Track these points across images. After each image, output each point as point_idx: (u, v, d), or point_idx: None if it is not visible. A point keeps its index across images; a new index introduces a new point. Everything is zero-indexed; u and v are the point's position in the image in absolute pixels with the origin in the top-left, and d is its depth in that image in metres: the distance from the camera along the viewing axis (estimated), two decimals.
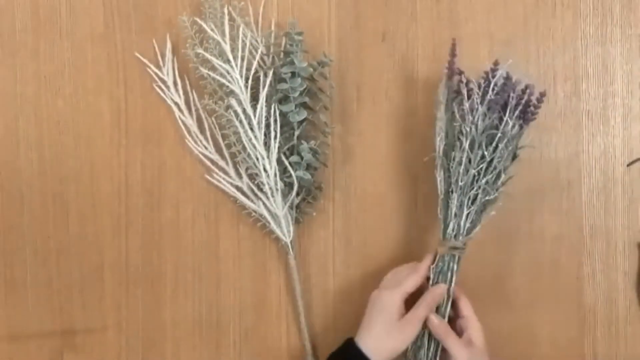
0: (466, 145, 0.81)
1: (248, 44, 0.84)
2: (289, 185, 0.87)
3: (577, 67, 0.90)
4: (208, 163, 0.92)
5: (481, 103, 0.80)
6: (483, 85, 0.81)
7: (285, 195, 0.87)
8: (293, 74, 0.85)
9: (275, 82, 0.86)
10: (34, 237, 0.94)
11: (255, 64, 0.84)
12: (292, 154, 0.87)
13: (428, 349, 0.83)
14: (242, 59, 0.83)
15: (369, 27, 0.92)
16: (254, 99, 0.84)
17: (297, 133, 0.87)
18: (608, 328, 0.90)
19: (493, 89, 0.80)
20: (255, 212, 0.90)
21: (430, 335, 0.82)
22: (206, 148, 0.91)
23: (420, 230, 0.91)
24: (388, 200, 0.91)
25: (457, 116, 0.82)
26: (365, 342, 0.80)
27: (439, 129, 0.84)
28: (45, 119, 0.93)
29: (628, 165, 0.90)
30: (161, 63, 0.92)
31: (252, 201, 0.89)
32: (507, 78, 0.81)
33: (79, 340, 0.94)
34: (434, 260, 0.84)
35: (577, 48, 0.90)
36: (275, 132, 0.84)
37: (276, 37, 0.91)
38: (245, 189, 0.90)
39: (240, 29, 0.84)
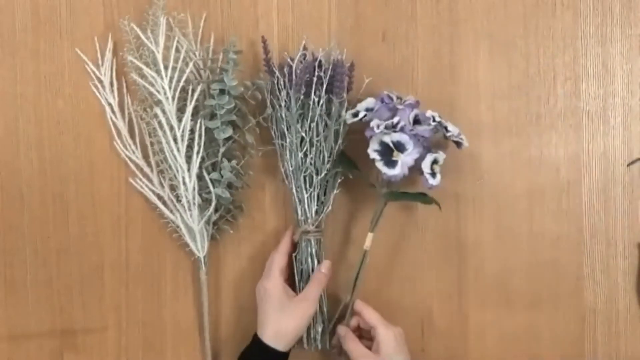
0: (285, 130, 0.85)
1: (182, 55, 0.84)
2: (207, 201, 0.87)
3: (577, 67, 0.90)
4: (133, 167, 0.91)
5: (290, 88, 0.83)
6: (287, 73, 0.84)
7: (202, 211, 0.87)
8: (222, 91, 0.85)
9: (207, 98, 0.86)
10: (34, 237, 0.94)
11: (185, 76, 0.83)
12: (214, 171, 0.87)
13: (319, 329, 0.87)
14: (173, 70, 0.82)
15: (369, 27, 0.92)
16: (183, 111, 0.84)
17: (221, 150, 0.86)
18: (608, 328, 0.90)
19: (296, 74, 0.83)
20: (172, 222, 0.90)
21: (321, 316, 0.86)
22: (134, 152, 0.91)
23: None
24: None
25: (277, 106, 0.85)
26: (264, 332, 0.83)
27: (269, 122, 0.87)
28: (45, 119, 0.93)
29: (628, 165, 0.90)
30: (100, 62, 0.92)
31: (170, 211, 0.89)
32: (314, 60, 0.84)
33: (79, 340, 0.94)
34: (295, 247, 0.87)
35: (577, 48, 0.90)
36: (199, 146, 0.84)
37: (216, 52, 0.90)
38: (166, 198, 0.89)
39: (176, 40, 0.84)
